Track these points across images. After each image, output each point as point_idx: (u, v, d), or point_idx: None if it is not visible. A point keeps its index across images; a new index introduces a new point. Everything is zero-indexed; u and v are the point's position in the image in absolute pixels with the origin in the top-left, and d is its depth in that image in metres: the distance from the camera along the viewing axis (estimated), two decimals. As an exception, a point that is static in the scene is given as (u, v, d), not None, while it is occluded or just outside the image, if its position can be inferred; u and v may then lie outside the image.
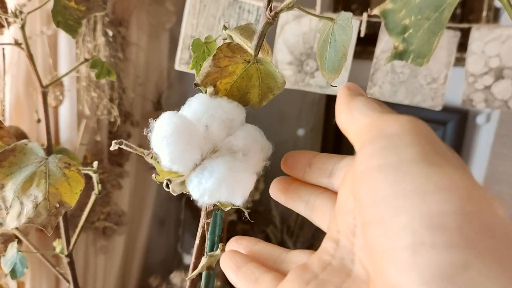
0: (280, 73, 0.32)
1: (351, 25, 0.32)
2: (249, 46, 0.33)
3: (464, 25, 0.76)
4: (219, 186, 0.30)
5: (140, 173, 1.13)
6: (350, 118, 0.22)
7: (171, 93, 1.13)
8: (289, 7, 0.33)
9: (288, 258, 0.27)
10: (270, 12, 0.33)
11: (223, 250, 0.38)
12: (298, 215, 1.46)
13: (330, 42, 0.33)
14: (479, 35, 0.76)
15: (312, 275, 0.21)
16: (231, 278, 0.27)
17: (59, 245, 0.55)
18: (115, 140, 0.30)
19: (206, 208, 0.37)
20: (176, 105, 1.11)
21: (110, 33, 0.81)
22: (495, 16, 1.20)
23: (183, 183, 0.31)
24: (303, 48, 0.77)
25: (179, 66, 0.79)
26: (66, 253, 0.54)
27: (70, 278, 0.56)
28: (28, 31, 0.83)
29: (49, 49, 0.80)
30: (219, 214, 0.39)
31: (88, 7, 0.59)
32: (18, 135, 0.75)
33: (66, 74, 0.57)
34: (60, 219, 0.52)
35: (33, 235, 0.90)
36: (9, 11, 0.65)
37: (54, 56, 0.81)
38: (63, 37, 0.82)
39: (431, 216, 0.15)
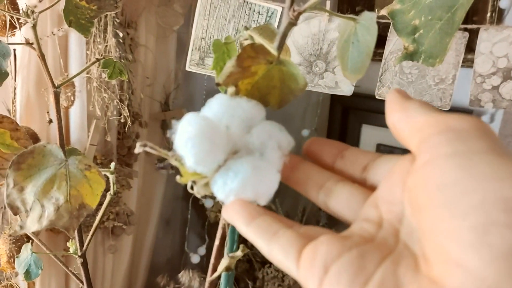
0: (302, 75, 0.32)
1: (375, 25, 0.32)
2: (271, 47, 0.33)
3: (473, 26, 0.77)
4: (244, 186, 0.30)
5: (147, 173, 1.13)
6: (405, 117, 0.23)
7: (178, 94, 1.14)
8: (312, 8, 0.34)
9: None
10: (294, 12, 0.33)
11: (243, 250, 0.39)
12: (303, 213, 1.46)
13: (353, 42, 0.34)
14: (487, 36, 0.76)
15: (354, 243, 0.21)
16: (241, 228, 0.26)
17: (72, 246, 0.55)
18: (140, 142, 0.30)
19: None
20: (183, 106, 1.12)
21: (121, 34, 0.81)
22: (499, 17, 1.20)
23: (207, 184, 0.32)
24: (312, 50, 0.78)
25: (189, 67, 0.79)
26: (79, 253, 0.55)
27: (83, 278, 0.56)
28: (39, 33, 0.84)
29: (59, 51, 0.80)
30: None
31: (99, 6, 0.60)
32: (29, 135, 0.76)
33: (78, 74, 0.57)
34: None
35: (42, 235, 0.91)
36: (21, 11, 0.65)
37: (64, 58, 0.81)
38: (74, 39, 0.82)
39: (506, 199, 0.16)
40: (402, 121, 0.23)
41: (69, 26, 0.54)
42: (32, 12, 0.54)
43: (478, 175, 0.17)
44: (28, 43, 0.54)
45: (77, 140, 0.86)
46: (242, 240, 0.41)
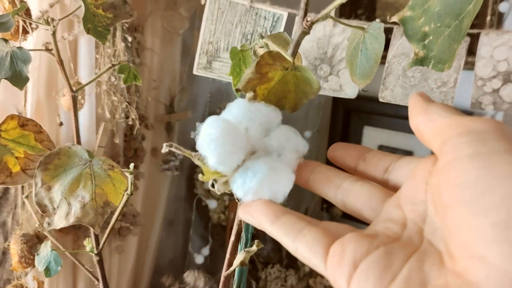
0: (316, 79, 0.34)
1: (383, 34, 0.34)
2: (286, 54, 0.35)
3: (474, 31, 0.79)
4: (262, 185, 0.32)
5: (152, 175, 1.15)
6: (428, 120, 0.24)
7: (183, 97, 1.16)
8: (324, 18, 0.36)
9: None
10: (307, 22, 0.35)
11: (258, 245, 0.41)
12: (305, 214, 1.47)
13: (361, 50, 0.36)
14: (488, 40, 0.78)
15: (380, 242, 0.22)
16: (267, 227, 0.27)
17: (89, 244, 0.57)
18: (166, 143, 0.32)
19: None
20: (188, 108, 1.14)
21: (129, 39, 0.83)
22: (498, 21, 1.22)
23: (226, 182, 0.34)
24: (317, 54, 0.80)
25: (197, 71, 0.81)
26: (96, 251, 0.57)
27: (99, 276, 0.58)
28: (49, 37, 0.85)
29: (70, 55, 0.82)
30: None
31: (115, 14, 0.62)
32: (40, 138, 0.77)
33: (95, 78, 0.59)
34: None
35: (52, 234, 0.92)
36: (41, 20, 0.67)
37: (74, 62, 0.83)
38: (83, 43, 0.84)
39: None
40: (424, 124, 0.24)
41: (88, 33, 0.55)
42: (52, 20, 0.56)
43: (499, 174, 0.19)
44: (47, 49, 0.56)
45: (86, 142, 0.88)
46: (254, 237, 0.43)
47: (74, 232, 0.94)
